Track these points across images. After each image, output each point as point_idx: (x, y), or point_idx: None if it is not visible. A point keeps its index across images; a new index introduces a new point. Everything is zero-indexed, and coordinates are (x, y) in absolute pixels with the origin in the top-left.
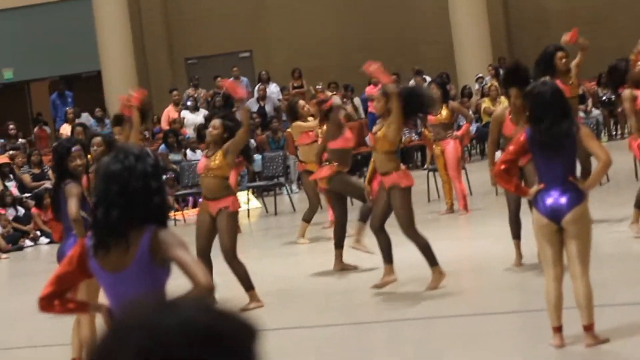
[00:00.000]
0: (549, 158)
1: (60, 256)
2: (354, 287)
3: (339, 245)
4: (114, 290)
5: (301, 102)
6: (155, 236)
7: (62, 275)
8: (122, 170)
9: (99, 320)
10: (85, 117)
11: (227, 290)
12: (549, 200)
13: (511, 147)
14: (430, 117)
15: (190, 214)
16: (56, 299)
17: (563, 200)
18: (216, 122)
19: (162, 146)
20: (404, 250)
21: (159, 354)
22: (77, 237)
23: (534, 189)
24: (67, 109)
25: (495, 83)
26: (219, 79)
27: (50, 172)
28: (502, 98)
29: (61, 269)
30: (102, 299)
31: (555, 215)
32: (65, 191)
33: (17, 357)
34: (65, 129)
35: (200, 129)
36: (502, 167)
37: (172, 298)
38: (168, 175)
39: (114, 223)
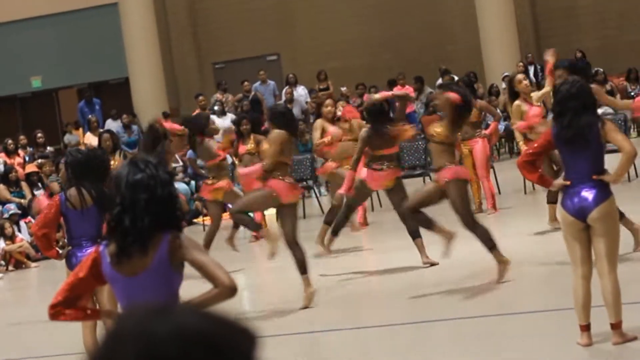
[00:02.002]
0: (574, 154)
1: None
2: (384, 289)
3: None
4: (128, 294)
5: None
6: (173, 240)
7: (73, 283)
8: (147, 179)
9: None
10: (111, 124)
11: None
12: (575, 198)
13: (538, 142)
14: None
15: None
16: (67, 307)
17: (589, 197)
18: None
19: (190, 152)
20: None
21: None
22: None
23: (558, 182)
24: (90, 117)
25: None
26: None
27: None
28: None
29: (73, 276)
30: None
31: (581, 212)
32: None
33: None
34: (89, 138)
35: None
36: (528, 159)
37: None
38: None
39: (144, 231)
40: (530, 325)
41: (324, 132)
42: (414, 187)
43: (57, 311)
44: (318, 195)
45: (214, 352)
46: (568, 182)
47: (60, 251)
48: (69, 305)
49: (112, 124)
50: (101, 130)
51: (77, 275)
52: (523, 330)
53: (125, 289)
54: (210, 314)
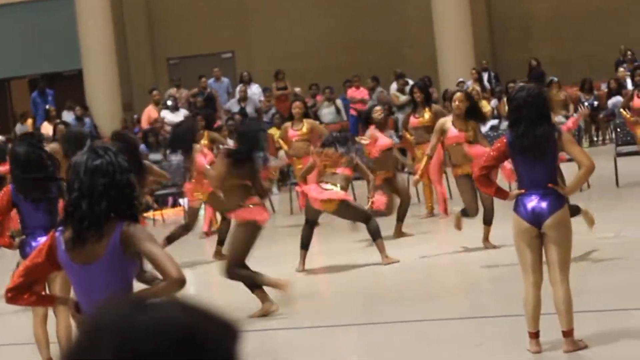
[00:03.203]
0: (529, 163)
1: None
2: (337, 288)
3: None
4: (82, 282)
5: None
6: (126, 230)
7: (31, 267)
8: (106, 164)
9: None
10: (66, 116)
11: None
12: (530, 204)
13: (492, 153)
14: (412, 120)
15: (170, 213)
16: (25, 291)
17: (544, 204)
18: None
19: (142, 146)
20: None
21: (135, 355)
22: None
23: (514, 192)
24: (49, 107)
25: (477, 87)
26: (203, 79)
27: None
28: (485, 102)
29: (30, 260)
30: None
31: (536, 219)
32: None
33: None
34: (46, 127)
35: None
36: (483, 172)
37: (147, 297)
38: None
39: (98, 216)
40: (480, 331)
41: None
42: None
43: (14, 295)
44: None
45: (195, 346)
46: (523, 191)
47: (15, 240)
48: (26, 289)
49: (66, 116)
50: (57, 121)
51: (33, 260)
52: (473, 336)
53: (80, 277)
54: (191, 308)
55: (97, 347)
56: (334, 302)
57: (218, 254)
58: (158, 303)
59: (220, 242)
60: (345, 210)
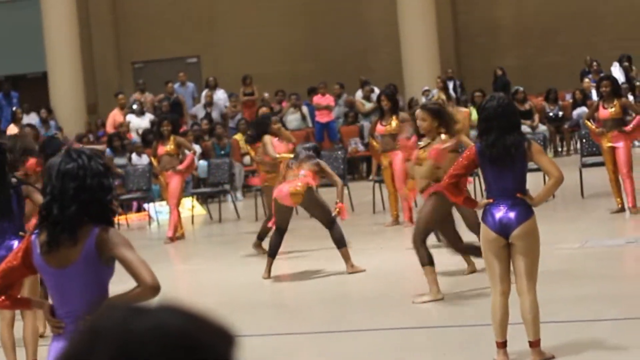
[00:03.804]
0: (498, 172)
1: None
2: (303, 296)
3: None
4: (57, 286)
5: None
6: (101, 234)
7: (6, 270)
8: (77, 168)
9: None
10: (32, 118)
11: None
12: (498, 215)
13: (462, 161)
14: (379, 128)
15: (134, 218)
16: (0, 294)
17: (512, 214)
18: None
19: (107, 150)
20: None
21: (133, 358)
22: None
23: (483, 202)
24: (16, 108)
25: (443, 96)
26: (169, 84)
27: None
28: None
29: (6, 263)
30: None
31: (503, 229)
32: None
33: None
34: (12, 129)
35: (146, 134)
36: (452, 180)
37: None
38: (116, 181)
39: (70, 219)
40: (445, 340)
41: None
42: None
43: None
44: (234, 199)
45: (192, 351)
46: (491, 200)
47: None
48: (1, 292)
49: (29, 118)
50: (24, 123)
51: (9, 263)
52: (437, 345)
53: (55, 281)
54: (189, 313)
55: (94, 352)
56: (300, 310)
57: (259, 247)
58: (155, 308)
59: (261, 237)
60: (314, 203)
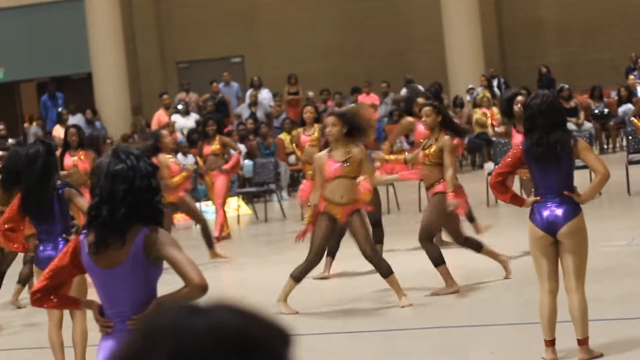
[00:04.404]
0: (545, 170)
1: (39, 261)
2: (346, 295)
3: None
4: (106, 286)
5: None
6: (149, 235)
7: (55, 269)
8: (127, 170)
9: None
10: (77, 119)
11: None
12: (545, 213)
13: (508, 159)
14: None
15: (180, 218)
16: (49, 294)
17: (559, 212)
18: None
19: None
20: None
21: (190, 357)
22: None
23: (530, 200)
24: (61, 109)
25: (487, 94)
26: (215, 83)
27: None
28: (495, 109)
29: (55, 263)
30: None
31: (551, 227)
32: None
33: (9, 358)
34: (58, 130)
35: (191, 133)
36: (498, 179)
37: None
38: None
39: (120, 221)
40: (494, 339)
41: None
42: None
43: (40, 297)
44: (280, 199)
45: (249, 350)
46: (538, 198)
47: (30, 245)
48: (51, 292)
49: (75, 119)
50: (69, 124)
51: (58, 262)
52: (487, 344)
53: (103, 281)
54: (245, 312)
55: (151, 351)
56: (346, 309)
57: None
58: (212, 307)
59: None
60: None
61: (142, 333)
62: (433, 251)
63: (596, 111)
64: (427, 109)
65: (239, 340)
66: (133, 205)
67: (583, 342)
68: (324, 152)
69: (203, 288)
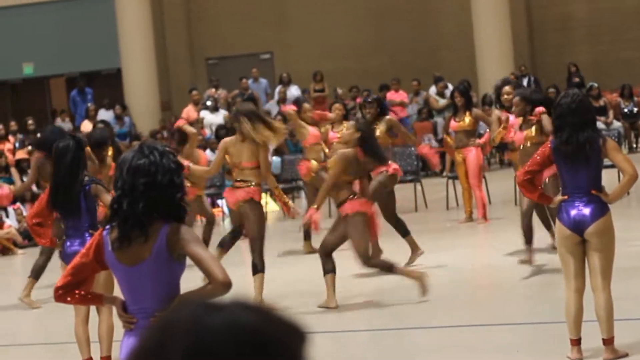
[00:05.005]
0: (573, 169)
1: (66, 256)
2: (370, 292)
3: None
4: (129, 283)
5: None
6: (172, 231)
7: (78, 266)
8: (149, 165)
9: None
10: (105, 114)
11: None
12: (573, 212)
13: (537, 158)
14: (452, 124)
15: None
16: (73, 290)
17: (587, 211)
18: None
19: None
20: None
21: (206, 354)
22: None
23: (558, 198)
24: (89, 105)
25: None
26: (244, 80)
27: None
28: None
29: (78, 259)
30: (118, 291)
31: (578, 226)
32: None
33: (33, 352)
34: (86, 126)
35: (219, 129)
36: (526, 177)
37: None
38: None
39: (139, 216)
40: (519, 338)
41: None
42: (405, 192)
43: (63, 293)
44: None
45: (265, 347)
46: (566, 197)
47: (57, 240)
48: (74, 288)
49: (104, 114)
50: (96, 120)
51: (81, 258)
52: (511, 343)
53: (126, 278)
54: (262, 310)
55: (167, 347)
56: (371, 306)
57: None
58: (229, 304)
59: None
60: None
61: (160, 328)
62: None
63: (625, 110)
64: (516, 98)
65: (254, 337)
66: (153, 200)
67: (608, 341)
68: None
69: (227, 285)
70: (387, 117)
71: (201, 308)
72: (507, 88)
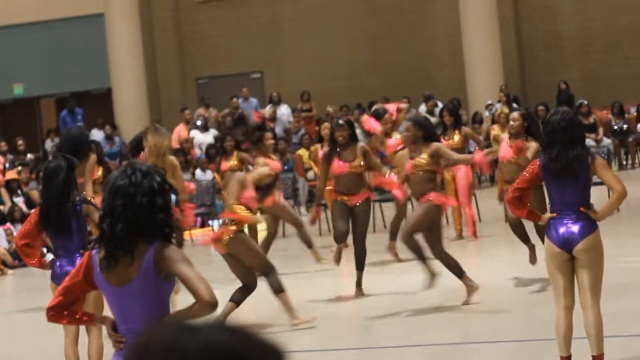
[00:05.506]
0: (561, 186)
1: (55, 277)
2: (369, 311)
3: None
4: (118, 303)
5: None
6: (159, 251)
7: (69, 286)
8: (128, 186)
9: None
10: (95, 134)
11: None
12: (561, 229)
13: (525, 175)
14: (442, 142)
15: (199, 234)
16: (64, 310)
17: (575, 229)
18: None
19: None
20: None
21: None
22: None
23: (547, 216)
24: (79, 125)
25: (506, 110)
26: (234, 99)
27: None
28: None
29: (69, 280)
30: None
31: (567, 244)
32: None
33: None
34: None
35: (209, 149)
36: (515, 194)
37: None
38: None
39: (119, 236)
40: (507, 356)
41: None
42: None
43: (55, 314)
44: (299, 214)
45: None
46: (555, 215)
47: (47, 261)
48: (65, 308)
49: (96, 134)
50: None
51: (71, 279)
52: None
53: (115, 298)
54: (238, 330)
55: None
56: (365, 325)
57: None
58: (204, 325)
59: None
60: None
61: (138, 350)
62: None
63: (615, 127)
64: (409, 123)
65: (230, 358)
66: (133, 220)
67: (598, 358)
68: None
69: (213, 305)
70: (360, 144)
71: (178, 330)
72: (514, 114)
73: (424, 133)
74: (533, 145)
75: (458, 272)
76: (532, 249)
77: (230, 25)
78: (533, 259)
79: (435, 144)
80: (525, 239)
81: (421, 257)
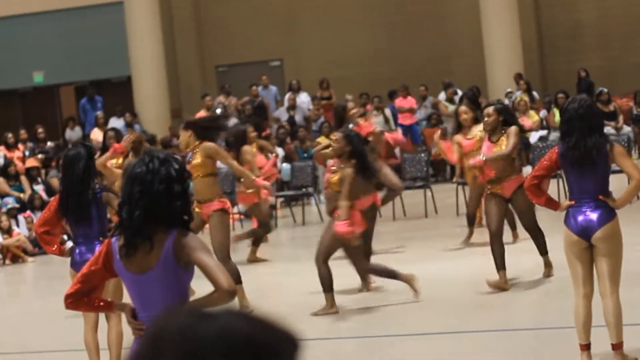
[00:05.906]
0: (580, 174)
1: (75, 264)
2: (388, 299)
3: None
4: (137, 290)
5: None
6: (178, 239)
7: (88, 273)
8: (145, 173)
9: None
10: (115, 122)
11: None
12: (580, 217)
13: (544, 162)
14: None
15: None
16: (82, 297)
17: (594, 217)
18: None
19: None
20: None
21: None
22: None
23: (565, 203)
24: (98, 113)
25: (525, 98)
26: (254, 87)
27: None
28: (532, 112)
29: (87, 267)
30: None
31: (585, 232)
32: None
33: None
34: (96, 134)
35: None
36: (533, 182)
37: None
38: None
39: (137, 223)
40: (528, 343)
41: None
42: (415, 198)
43: (73, 301)
44: (318, 202)
45: (257, 355)
46: (573, 202)
47: (66, 248)
48: (84, 295)
49: (115, 122)
50: (107, 128)
51: (90, 266)
52: (520, 348)
53: (134, 285)
54: (254, 318)
55: (163, 354)
56: (385, 313)
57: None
58: (221, 313)
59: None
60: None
61: (153, 337)
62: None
63: (636, 115)
64: (339, 135)
65: (247, 346)
66: (150, 208)
67: (617, 346)
68: None
69: (231, 293)
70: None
71: (192, 317)
72: (463, 107)
73: (504, 118)
74: (512, 129)
75: (392, 275)
76: (470, 233)
77: (249, 13)
78: (465, 242)
79: (514, 128)
80: (471, 222)
81: (391, 275)
